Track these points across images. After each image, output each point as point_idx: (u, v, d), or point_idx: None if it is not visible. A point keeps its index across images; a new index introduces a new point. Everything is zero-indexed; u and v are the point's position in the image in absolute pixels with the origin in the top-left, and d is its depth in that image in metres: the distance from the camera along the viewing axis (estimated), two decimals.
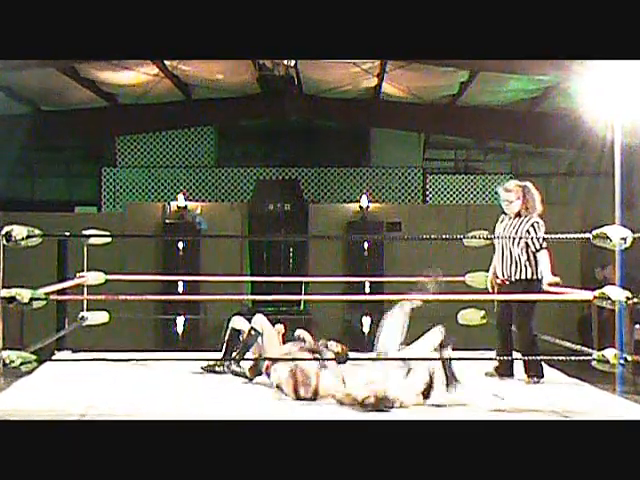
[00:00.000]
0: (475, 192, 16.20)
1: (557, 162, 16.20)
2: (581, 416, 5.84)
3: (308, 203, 15.55)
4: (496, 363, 7.32)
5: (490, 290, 7.54)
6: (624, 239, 6.20)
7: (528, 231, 7.18)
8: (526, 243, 7.15)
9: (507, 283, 7.28)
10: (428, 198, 16.32)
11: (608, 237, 6.19)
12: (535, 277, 7.19)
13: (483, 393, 6.48)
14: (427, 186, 16.38)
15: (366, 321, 13.93)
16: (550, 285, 7.10)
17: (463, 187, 16.20)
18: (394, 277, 10.50)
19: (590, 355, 6.37)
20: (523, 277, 7.20)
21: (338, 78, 13.34)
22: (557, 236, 7.07)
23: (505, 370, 7.28)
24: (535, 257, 7.17)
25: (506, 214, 7.39)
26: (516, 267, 7.21)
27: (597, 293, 6.26)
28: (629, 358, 6.23)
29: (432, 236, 11.19)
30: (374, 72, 12.79)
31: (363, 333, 13.83)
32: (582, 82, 7.00)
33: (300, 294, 12.92)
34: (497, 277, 7.41)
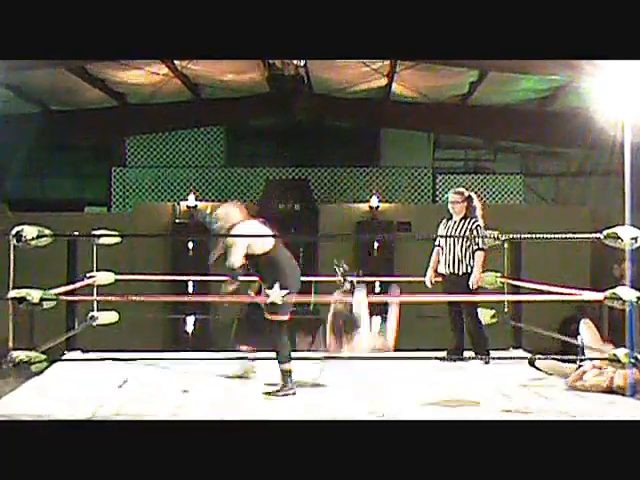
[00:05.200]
0: (485, 192, 16.17)
1: (567, 162, 16.17)
2: (583, 416, 5.84)
3: (318, 203, 15.53)
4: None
5: (429, 285, 8.21)
6: (635, 239, 6.21)
7: (471, 231, 7.96)
8: (469, 242, 7.94)
9: (450, 278, 8.00)
10: (438, 198, 16.31)
11: (619, 237, 6.20)
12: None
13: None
14: (437, 186, 16.38)
15: (376, 321, 13.88)
16: (474, 284, 7.89)
17: (473, 187, 16.14)
18: (405, 277, 10.47)
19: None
20: (464, 272, 7.97)
21: (348, 78, 13.32)
22: (568, 236, 7.07)
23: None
24: (473, 255, 7.95)
25: (450, 217, 8.17)
26: (459, 263, 8.00)
27: (608, 293, 6.26)
28: None
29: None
30: (384, 72, 12.78)
31: None
32: (592, 82, 6.98)
33: (310, 294, 12.88)
34: (437, 274, 8.20)
